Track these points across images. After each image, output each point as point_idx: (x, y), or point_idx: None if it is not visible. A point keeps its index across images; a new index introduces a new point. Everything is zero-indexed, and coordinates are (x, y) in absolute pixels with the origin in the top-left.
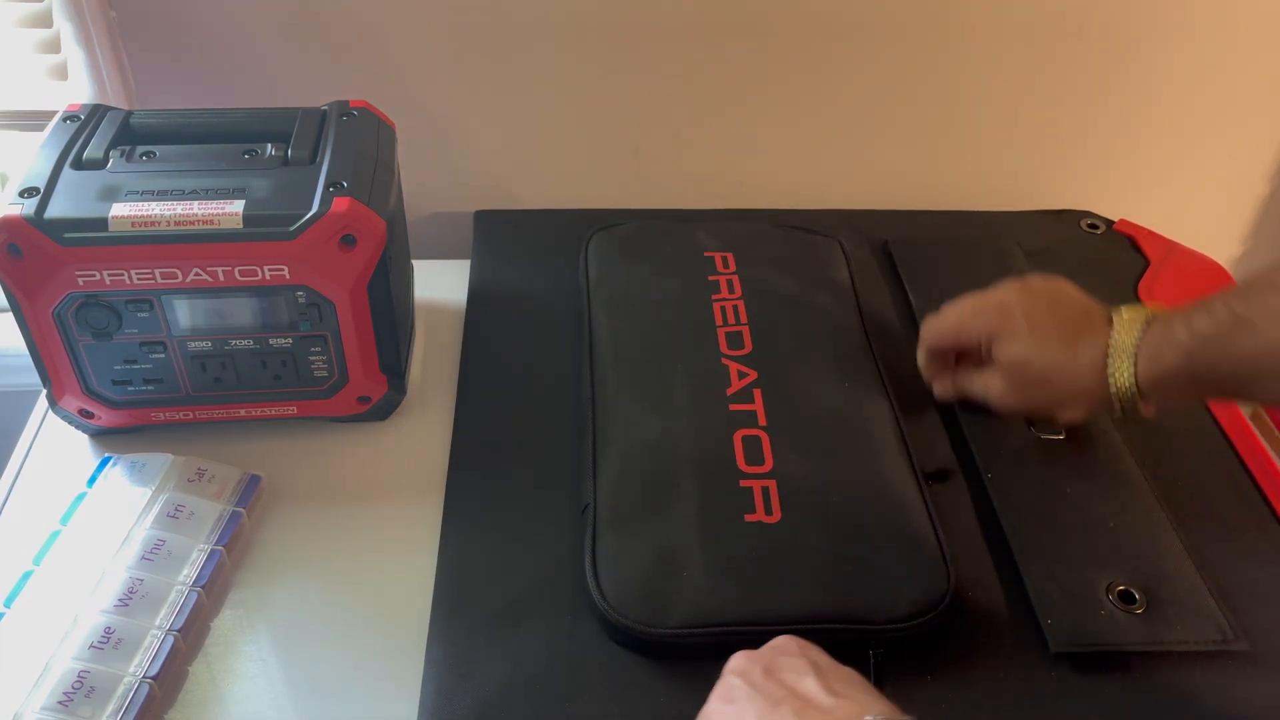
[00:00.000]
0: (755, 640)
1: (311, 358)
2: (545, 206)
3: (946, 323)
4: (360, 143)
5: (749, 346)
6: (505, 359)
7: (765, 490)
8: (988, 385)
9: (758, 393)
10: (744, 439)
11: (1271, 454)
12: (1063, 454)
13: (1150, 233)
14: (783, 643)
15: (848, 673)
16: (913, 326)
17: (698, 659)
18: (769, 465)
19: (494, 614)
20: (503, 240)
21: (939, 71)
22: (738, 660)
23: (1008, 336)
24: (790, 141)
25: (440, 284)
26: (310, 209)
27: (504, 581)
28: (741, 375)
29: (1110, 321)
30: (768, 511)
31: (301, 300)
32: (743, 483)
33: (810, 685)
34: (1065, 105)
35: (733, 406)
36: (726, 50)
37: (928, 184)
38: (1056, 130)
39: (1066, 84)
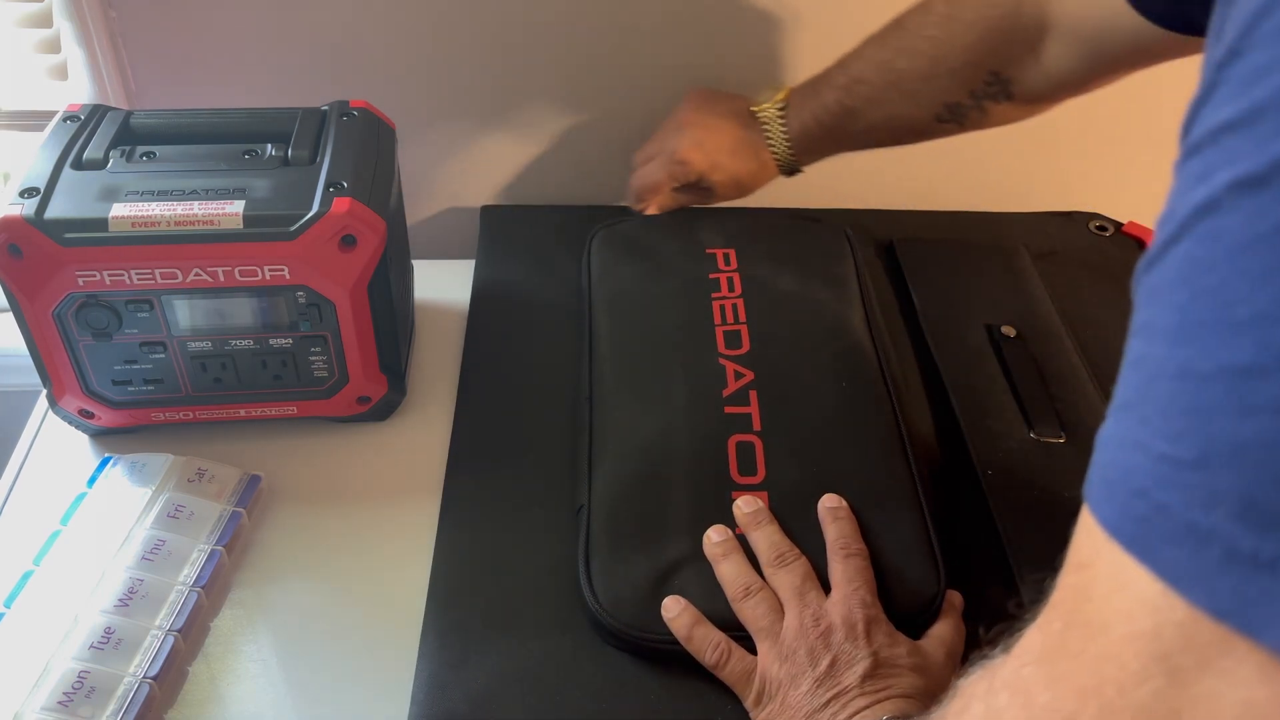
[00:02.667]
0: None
1: (311, 358)
2: (552, 203)
3: (651, 174)
4: (360, 143)
5: (747, 346)
6: (507, 357)
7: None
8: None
9: (753, 395)
10: (738, 445)
11: None
12: (1062, 457)
13: None
14: (854, 622)
15: (898, 667)
16: (916, 327)
17: (689, 662)
18: (761, 476)
19: (488, 608)
20: (509, 236)
21: None
22: (809, 643)
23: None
24: None
25: (443, 284)
26: (310, 209)
27: (499, 577)
28: (738, 376)
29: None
30: None
31: (301, 300)
32: (734, 494)
33: (852, 686)
34: (1074, 106)
35: (728, 409)
36: (733, 46)
37: (935, 184)
38: (1066, 131)
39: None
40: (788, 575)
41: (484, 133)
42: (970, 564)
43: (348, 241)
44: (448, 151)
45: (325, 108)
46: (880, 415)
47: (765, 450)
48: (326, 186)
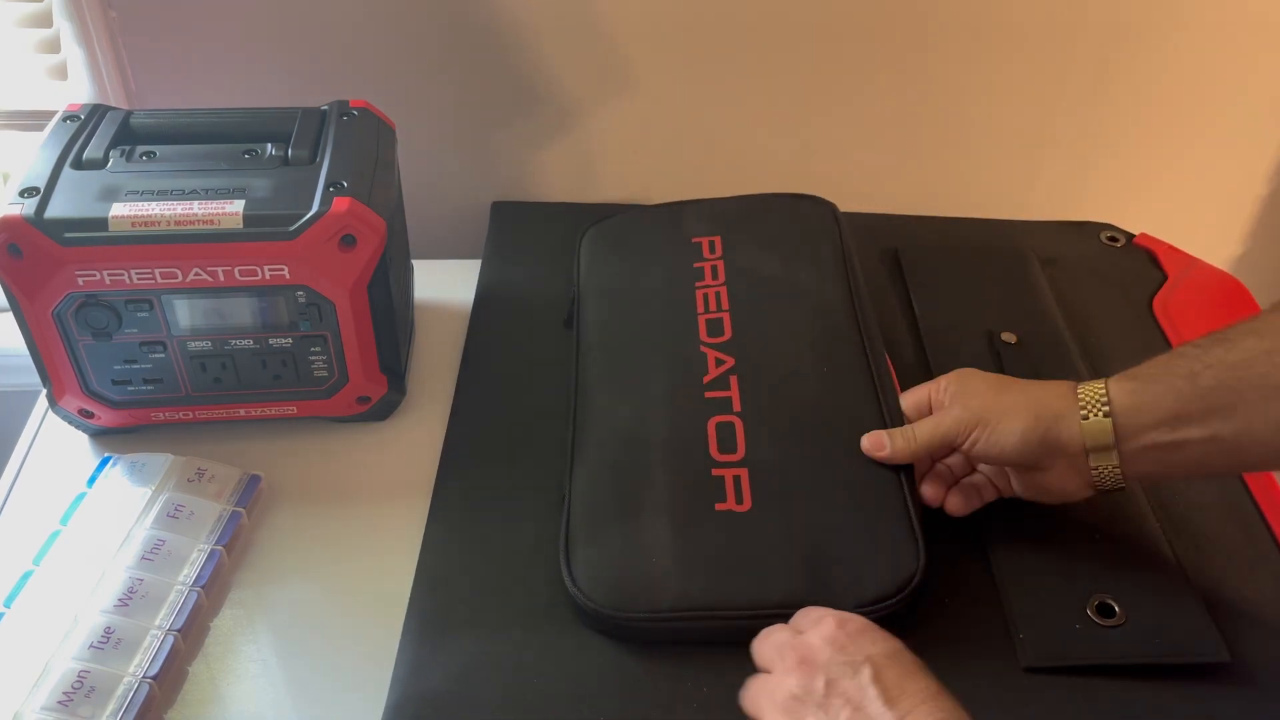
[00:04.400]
0: (721, 626)
1: (311, 358)
2: (564, 200)
3: (938, 433)
4: (360, 143)
5: (728, 333)
6: (508, 357)
7: (736, 479)
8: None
9: (734, 379)
10: (718, 425)
11: (1276, 475)
12: None
13: (1170, 248)
14: (831, 633)
15: (904, 662)
16: (915, 334)
17: (664, 644)
18: (741, 453)
19: (472, 594)
20: (517, 233)
21: (964, 76)
22: (798, 677)
23: (992, 425)
24: (810, 143)
25: (444, 284)
26: (310, 209)
27: (484, 565)
28: (719, 362)
29: (1065, 385)
30: (738, 500)
31: (301, 300)
32: (714, 471)
33: (872, 698)
34: (1091, 116)
35: (708, 394)
36: (742, 49)
37: (946, 190)
38: (1080, 141)
39: (1097, 94)
40: (756, 645)
41: (484, 132)
42: (951, 569)
43: (347, 241)
44: (448, 151)
45: (325, 108)
46: (860, 397)
47: (745, 430)
48: (326, 186)
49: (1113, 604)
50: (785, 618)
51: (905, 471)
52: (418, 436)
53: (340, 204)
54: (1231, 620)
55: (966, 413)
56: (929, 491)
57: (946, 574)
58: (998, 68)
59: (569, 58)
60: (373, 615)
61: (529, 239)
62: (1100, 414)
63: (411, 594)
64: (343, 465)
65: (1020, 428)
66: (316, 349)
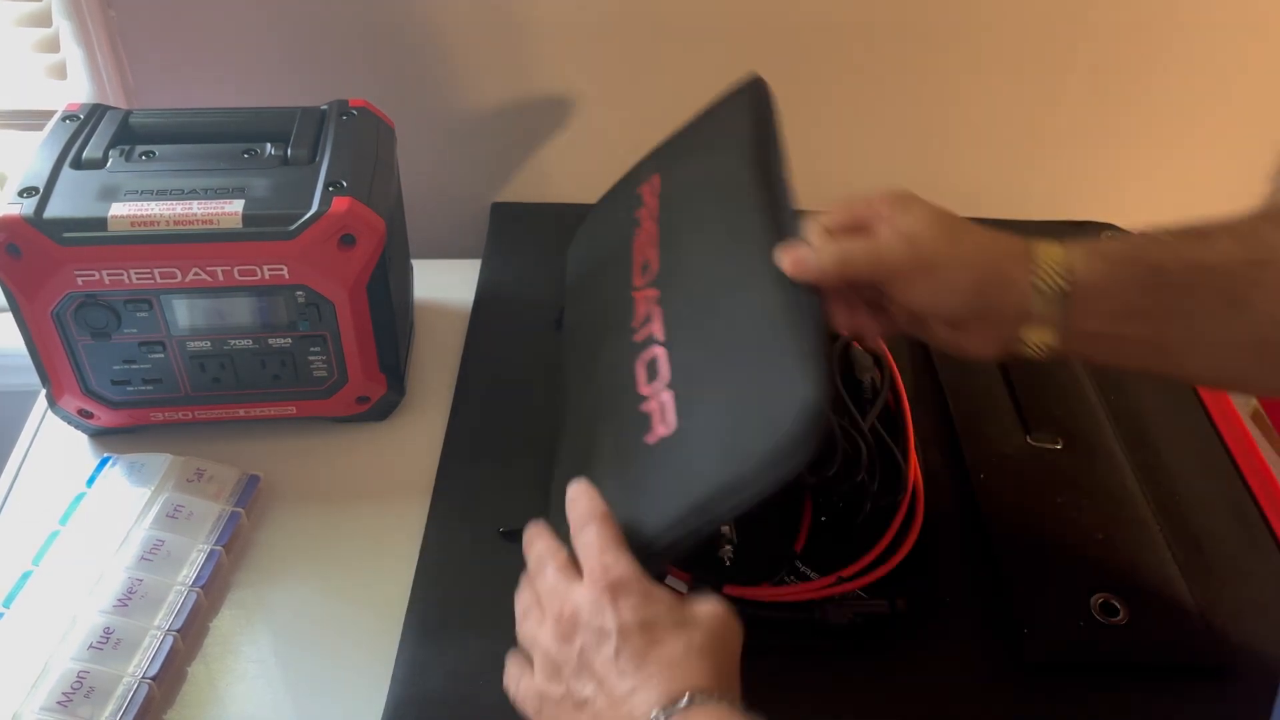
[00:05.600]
0: (683, 547)
1: (311, 358)
2: (563, 200)
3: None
4: (360, 142)
5: (655, 267)
6: (506, 355)
7: (662, 405)
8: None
9: (658, 310)
10: (647, 363)
11: (1275, 474)
12: (1057, 463)
13: None
14: (591, 595)
15: (665, 609)
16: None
17: None
18: (666, 377)
19: (472, 594)
20: (517, 233)
21: (964, 75)
22: (547, 637)
23: (938, 275)
24: (808, 143)
25: (444, 283)
26: (310, 209)
27: (484, 565)
28: (646, 300)
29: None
30: (664, 424)
31: (301, 300)
32: (642, 407)
33: (612, 672)
34: (1093, 115)
35: (636, 337)
36: (742, 49)
37: (947, 189)
38: (1083, 141)
39: (1097, 94)
40: (531, 560)
41: (484, 132)
42: (958, 569)
43: (347, 241)
44: (448, 151)
45: (325, 107)
46: (764, 252)
47: (670, 355)
48: (326, 186)
49: (1116, 604)
50: (721, 511)
51: (810, 299)
52: (418, 436)
53: (340, 204)
54: (1233, 620)
55: (911, 252)
56: (842, 318)
57: (948, 572)
58: (997, 67)
59: (569, 57)
60: (373, 615)
61: (529, 239)
62: (1054, 288)
63: (411, 594)
64: (343, 465)
65: (967, 285)
66: (316, 349)
